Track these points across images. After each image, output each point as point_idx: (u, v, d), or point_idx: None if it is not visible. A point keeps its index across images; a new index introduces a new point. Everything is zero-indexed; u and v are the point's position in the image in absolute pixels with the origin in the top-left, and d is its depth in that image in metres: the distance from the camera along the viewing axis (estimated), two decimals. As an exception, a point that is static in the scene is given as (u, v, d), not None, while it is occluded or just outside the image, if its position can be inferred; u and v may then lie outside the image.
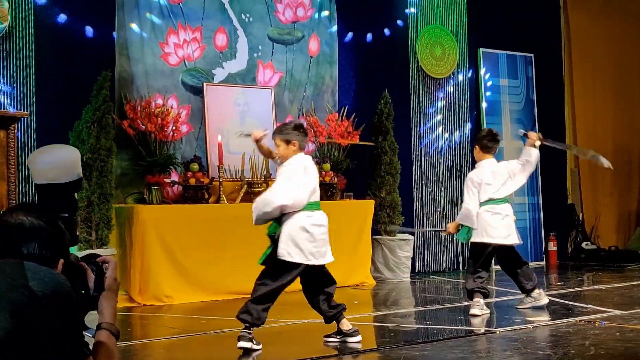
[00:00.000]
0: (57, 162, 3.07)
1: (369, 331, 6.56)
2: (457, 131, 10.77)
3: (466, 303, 7.58)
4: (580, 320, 6.39)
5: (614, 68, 12.32)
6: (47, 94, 7.85)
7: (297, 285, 8.47)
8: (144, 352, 5.64)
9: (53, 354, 2.15)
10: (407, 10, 10.44)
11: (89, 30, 8.21)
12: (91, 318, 2.47)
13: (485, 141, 7.20)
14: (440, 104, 10.67)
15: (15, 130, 4.43)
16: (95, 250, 7.40)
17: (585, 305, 7.22)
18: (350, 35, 10.10)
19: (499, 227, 6.95)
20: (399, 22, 10.42)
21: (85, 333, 2.48)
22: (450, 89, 10.76)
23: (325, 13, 9.87)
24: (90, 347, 2.39)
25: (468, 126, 10.86)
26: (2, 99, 7.56)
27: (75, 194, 3.12)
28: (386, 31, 10.35)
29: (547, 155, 11.52)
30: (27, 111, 7.50)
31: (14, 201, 4.41)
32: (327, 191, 9.13)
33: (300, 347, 5.71)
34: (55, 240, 2.35)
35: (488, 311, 6.86)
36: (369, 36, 10.23)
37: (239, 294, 8.06)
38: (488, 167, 7.12)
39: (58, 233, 2.37)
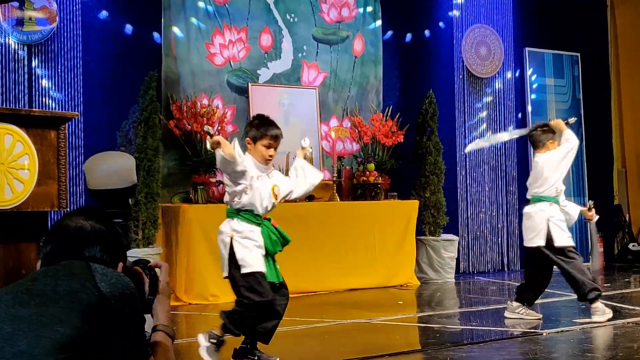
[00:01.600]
0: (113, 169, 3.12)
1: (414, 332, 6.55)
2: (503, 131, 10.68)
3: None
4: (628, 323, 6.31)
5: (663, 67, 12.15)
6: (95, 95, 7.96)
7: (339, 285, 8.50)
8: (190, 350, 5.68)
9: (120, 354, 2.18)
10: (451, 10, 10.39)
11: (136, 31, 8.30)
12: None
13: None
14: (486, 103, 10.60)
15: (66, 131, 4.48)
16: (141, 249, 7.49)
17: (632, 307, 7.13)
18: (394, 34, 10.08)
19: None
20: (444, 21, 10.38)
21: None
22: (496, 88, 10.69)
23: (370, 12, 9.85)
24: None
25: (513, 126, 10.78)
26: (51, 100, 7.67)
27: (130, 200, 3.16)
28: (430, 30, 10.32)
29: (594, 155, 11.43)
30: (75, 111, 7.61)
31: (64, 201, 4.46)
32: (372, 191, 9.13)
33: (344, 347, 5.71)
34: (114, 244, 2.38)
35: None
36: (414, 35, 10.20)
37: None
38: None
39: (117, 237, 2.40)
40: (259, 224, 5.02)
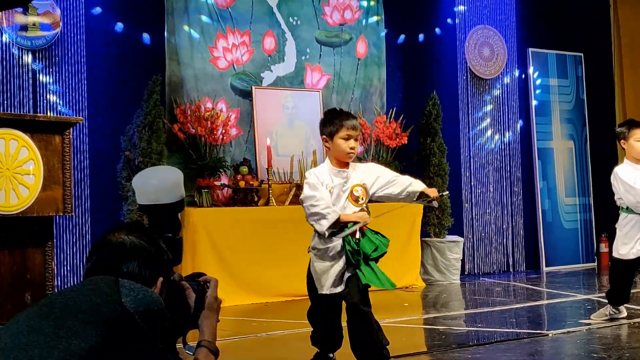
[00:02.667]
0: (163, 183, 3.14)
1: (419, 333, 6.55)
2: (507, 132, 10.69)
3: (517, 305, 7.54)
4: (634, 323, 6.31)
5: (666, 66, 12.13)
6: (99, 99, 7.97)
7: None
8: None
9: None
10: (455, 10, 10.40)
11: (139, 36, 8.31)
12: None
13: None
14: (489, 104, 10.60)
15: (70, 135, 4.50)
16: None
17: (638, 307, 7.12)
18: (397, 36, 10.08)
19: None
20: (447, 23, 10.39)
21: (185, 350, 2.51)
22: (499, 89, 10.69)
23: (373, 15, 9.86)
24: None
25: (517, 127, 10.78)
26: (56, 105, 7.69)
27: (179, 214, 3.18)
28: (434, 32, 10.32)
29: (598, 155, 11.42)
30: (80, 116, 7.62)
31: (69, 205, 4.48)
32: (376, 193, 9.12)
33: (350, 349, 5.71)
34: (155, 259, 2.39)
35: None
36: (417, 37, 10.21)
37: (289, 296, 8.10)
38: None
39: (158, 252, 2.41)
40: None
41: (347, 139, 4.81)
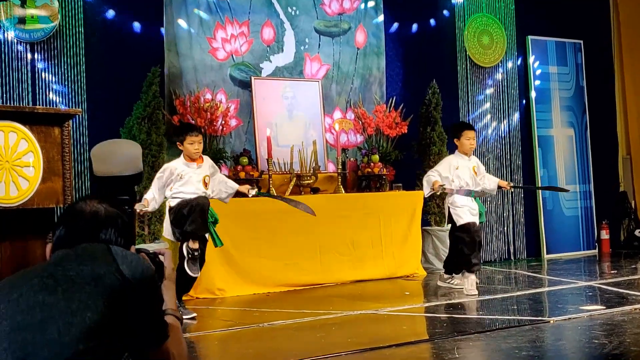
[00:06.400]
0: (120, 156, 3.14)
1: (421, 322, 6.56)
2: (506, 120, 10.69)
3: (518, 292, 7.56)
4: (635, 309, 6.31)
5: (666, 53, 12.11)
6: (98, 91, 7.97)
7: (346, 277, 8.51)
8: (198, 344, 5.71)
9: (143, 336, 2.21)
10: (453, -1, 10.39)
11: (138, 27, 8.31)
12: None
13: None
14: (489, 92, 10.60)
15: (70, 127, 4.50)
16: (148, 244, 7.51)
17: (639, 294, 7.13)
18: (396, 25, 10.07)
19: None
20: (446, 11, 10.38)
21: None
22: (499, 77, 10.68)
23: (371, 4, 9.85)
24: None
25: (517, 115, 10.78)
26: (55, 97, 7.69)
27: (135, 188, 3.18)
28: (433, 21, 10.31)
29: (598, 143, 11.42)
30: (79, 108, 7.62)
31: (69, 197, 4.48)
32: (377, 182, 9.13)
33: (352, 338, 5.72)
34: (127, 228, 2.42)
35: None
36: (416, 26, 10.20)
37: (290, 286, 8.12)
38: None
39: (129, 222, 2.44)
40: None
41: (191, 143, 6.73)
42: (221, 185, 6.96)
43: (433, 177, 7.60)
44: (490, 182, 7.88)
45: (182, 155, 6.82)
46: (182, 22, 8.56)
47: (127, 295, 2.16)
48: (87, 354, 2.04)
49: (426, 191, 7.74)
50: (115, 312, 2.12)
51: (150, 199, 6.66)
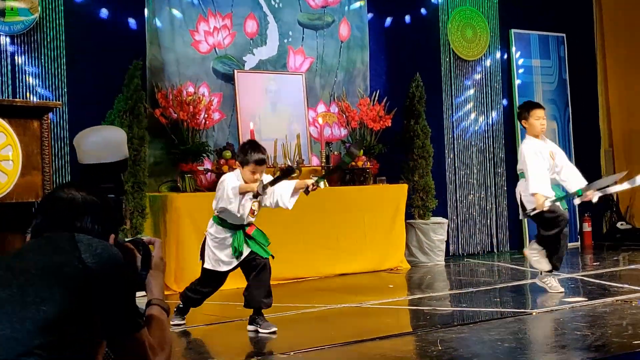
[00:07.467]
0: (104, 142, 3.10)
1: (405, 315, 6.57)
2: (490, 113, 10.70)
3: (501, 285, 7.57)
4: (617, 300, 6.34)
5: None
6: (79, 84, 7.90)
7: (330, 270, 8.51)
8: (181, 339, 5.69)
9: (109, 325, 2.17)
10: (436, -7, 10.38)
11: (120, 20, 8.24)
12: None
13: None
14: (473, 86, 10.60)
15: (49, 120, 4.46)
16: (130, 239, 7.47)
17: (621, 285, 7.16)
18: (380, 19, 10.05)
19: None
20: (430, 4, 10.36)
21: None
22: (482, 70, 10.69)
23: (355, -3, 9.83)
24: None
25: (500, 108, 10.79)
26: (35, 90, 7.63)
27: (122, 175, 3.14)
28: (417, 14, 10.29)
29: (581, 135, 11.45)
30: (60, 102, 7.56)
31: (49, 191, 4.44)
32: (360, 176, 9.12)
33: (336, 331, 5.72)
34: (106, 216, 2.37)
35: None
36: (399, 20, 10.18)
37: (273, 279, 8.03)
38: None
39: (109, 210, 2.39)
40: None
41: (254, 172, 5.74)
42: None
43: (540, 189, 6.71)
44: (576, 180, 6.98)
45: (239, 174, 5.86)
46: (164, 15, 8.51)
47: (90, 284, 2.12)
48: (46, 349, 2.00)
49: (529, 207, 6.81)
50: (78, 303, 2.08)
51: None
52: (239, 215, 5.72)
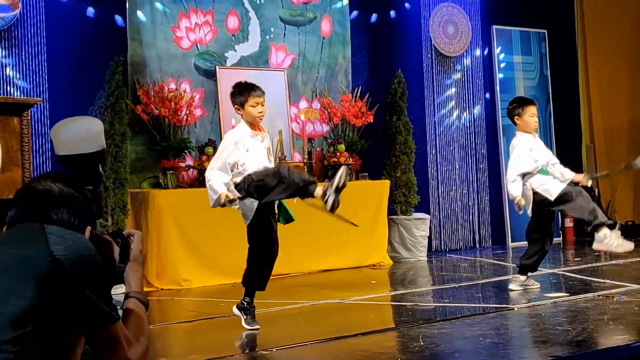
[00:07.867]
0: (81, 132, 3.06)
1: (387, 310, 6.57)
2: (472, 109, 10.72)
3: (483, 280, 7.60)
4: (598, 295, 6.37)
5: (629, 42, 12.19)
6: (60, 81, 7.86)
7: (312, 266, 8.51)
8: (163, 335, 5.68)
9: (81, 319, 2.15)
10: (418, -11, 10.38)
11: (100, 15, 8.20)
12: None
13: None
14: (454, 82, 10.62)
15: (29, 117, 4.44)
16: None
17: (603, 280, 7.20)
18: (362, 15, 10.05)
19: None
20: (412, 0, 10.36)
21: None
22: (464, 67, 10.71)
23: (337, -7, 9.82)
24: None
25: (482, 104, 10.82)
26: (15, 86, 7.58)
27: (100, 166, 3.11)
28: (398, 10, 10.30)
29: (562, 131, 11.50)
30: (40, 98, 7.51)
31: (30, 187, 4.42)
32: (342, 172, 9.11)
33: (318, 327, 5.72)
34: (83, 208, 2.34)
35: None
36: (381, 16, 10.19)
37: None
38: None
39: (86, 201, 2.36)
40: None
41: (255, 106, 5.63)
42: None
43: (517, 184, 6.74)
44: (564, 173, 6.93)
45: (242, 123, 5.75)
46: (145, 11, 8.47)
47: (60, 277, 2.08)
48: (17, 343, 1.98)
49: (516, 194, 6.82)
50: (47, 296, 2.05)
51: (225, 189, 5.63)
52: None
